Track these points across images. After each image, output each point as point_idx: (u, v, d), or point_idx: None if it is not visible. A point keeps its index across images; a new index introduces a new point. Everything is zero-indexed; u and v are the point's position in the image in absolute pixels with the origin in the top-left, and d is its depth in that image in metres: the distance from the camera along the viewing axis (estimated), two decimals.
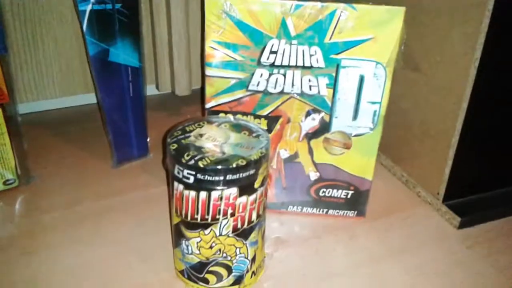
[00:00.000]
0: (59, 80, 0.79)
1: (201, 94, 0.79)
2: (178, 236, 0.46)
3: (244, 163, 0.42)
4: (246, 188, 0.43)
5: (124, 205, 0.60)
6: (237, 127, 0.48)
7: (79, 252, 0.52)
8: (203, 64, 0.53)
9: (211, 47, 0.51)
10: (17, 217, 0.58)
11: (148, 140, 0.70)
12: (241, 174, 0.42)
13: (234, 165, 0.41)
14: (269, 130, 0.54)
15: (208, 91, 0.54)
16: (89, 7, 0.59)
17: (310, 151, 0.55)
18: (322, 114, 0.53)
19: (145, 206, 0.60)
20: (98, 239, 0.54)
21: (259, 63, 0.51)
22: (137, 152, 0.70)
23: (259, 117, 0.54)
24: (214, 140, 0.46)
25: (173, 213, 0.46)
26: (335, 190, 0.57)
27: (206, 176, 0.42)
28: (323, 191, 0.57)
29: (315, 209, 0.58)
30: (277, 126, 0.54)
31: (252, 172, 0.43)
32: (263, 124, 0.54)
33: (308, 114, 0.53)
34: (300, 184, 0.57)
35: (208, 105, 0.54)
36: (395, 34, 0.49)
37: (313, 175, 0.56)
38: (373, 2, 0.48)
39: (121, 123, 0.67)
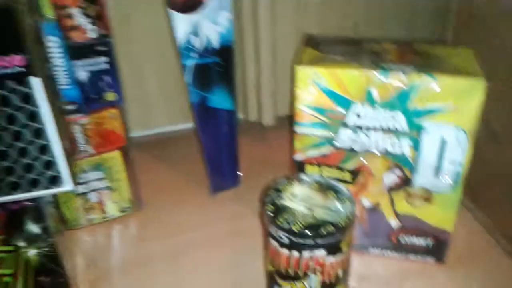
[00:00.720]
0: (162, 112, 0.91)
1: (290, 133, 0.86)
2: (271, 282, 0.55)
3: (333, 229, 0.49)
4: (333, 249, 0.50)
5: (220, 235, 0.70)
6: (325, 188, 0.55)
7: (179, 283, 0.63)
8: (291, 103, 0.60)
9: (301, 109, 0.58)
10: (128, 244, 0.70)
11: (239, 172, 0.80)
12: (329, 239, 0.49)
13: (324, 231, 0.49)
14: (353, 182, 0.61)
15: (297, 145, 0.61)
16: (192, 62, 0.68)
17: (392, 202, 0.61)
18: (404, 170, 0.58)
19: (239, 238, 0.70)
20: (196, 270, 0.65)
21: (344, 125, 0.58)
22: (230, 182, 0.80)
23: (343, 170, 0.61)
24: (304, 201, 0.53)
25: (267, 260, 0.55)
26: (415, 238, 0.62)
27: (298, 239, 0.50)
28: (404, 238, 0.63)
29: (395, 253, 0.64)
30: (361, 179, 0.61)
31: (339, 236, 0.50)
32: (347, 176, 0.61)
33: (390, 169, 0.59)
34: (382, 230, 0.63)
35: (296, 157, 0.62)
36: (475, 104, 0.52)
37: (394, 224, 0.62)
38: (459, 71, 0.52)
39: (217, 157, 0.77)
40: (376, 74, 0.54)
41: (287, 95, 0.89)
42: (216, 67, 0.70)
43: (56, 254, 0.53)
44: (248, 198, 0.77)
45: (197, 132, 0.74)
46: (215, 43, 0.69)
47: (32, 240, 0.50)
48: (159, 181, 0.83)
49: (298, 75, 0.56)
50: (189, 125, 0.94)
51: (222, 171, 0.79)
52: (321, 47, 0.61)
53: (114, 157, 0.70)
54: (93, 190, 0.72)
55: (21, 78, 0.42)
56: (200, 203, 0.77)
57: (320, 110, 0.58)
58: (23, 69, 0.42)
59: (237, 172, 0.80)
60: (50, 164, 0.47)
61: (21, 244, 0.50)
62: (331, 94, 0.56)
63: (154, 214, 0.75)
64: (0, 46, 0.41)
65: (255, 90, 0.87)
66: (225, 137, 0.76)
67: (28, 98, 0.43)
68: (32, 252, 0.51)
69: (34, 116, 0.44)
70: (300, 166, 0.62)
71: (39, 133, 0.45)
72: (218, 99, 0.73)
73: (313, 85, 0.56)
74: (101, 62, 0.63)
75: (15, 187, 0.47)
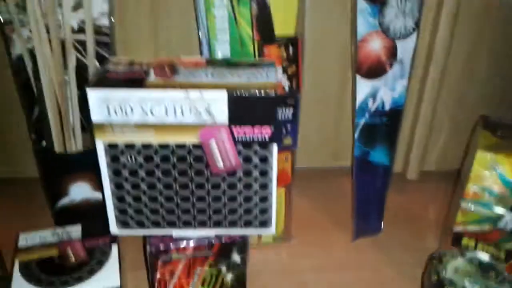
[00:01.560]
0: (316, 151, 1.02)
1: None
2: None
3: None
4: None
5: (365, 281, 0.80)
6: (486, 267, 0.63)
7: None
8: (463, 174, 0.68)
9: (473, 189, 0.66)
10: (279, 271, 0.82)
11: (382, 222, 0.89)
12: None
13: None
14: (506, 262, 0.68)
15: (459, 218, 0.69)
16: (362, 121, 0.78)
17: None
18: None
19: (383, 287, 0.79)
20: None
21: (511, 210, 0.65)
22: (373, 230, 0.89)
23: (500, 248, 0.68)
24: (466, 276, 0.62)
25: None
26: None
27: None
28: None
29: None
30: None
31: None
32: (502, 255, 0.68)
33: None
34: None
35: (455, 229, 0.70)
36: None
37: None
38: None
39: (365, 206, 0.87)
40: None
41: (436, 154, 0.97)
42: (383, 127, 0.80)
43: (244, 281, 0.65)
44: (389, 248, 0.86)
45: (352, 180, 0.84)
46: (387, 105, 0.79)
47: (231, 267, 0.63)
48: (306, 216, 0.94)
49: (477, 159, 0.65)
50: (341, 164, 1.04)
51: (368, 219, 0.88)
52: (499, 132, 0.69)
53: (279, 193, 0.82)
54: None
55: (265, 144, 0.55)
56: (343, 245, 0.87)
57: (491, 192, 0.65)
58: (268, 138, 0.54)
59: (381, 222, 0.89)
60: (264, 211, 0.59)
61: (223, 268, 0.63)
62: (505, 181, 0.64)
63: (301, 248, 0.86)
64: (259, 119, 0.54)
65: (406, 144, 0.96)
66: (377, 189, 0.85)
67: (265, 159, 0.56)
68: (228, 277, 0.64)
69: (264, 173, 0.57)
70: (457, 238, 0.70)
71: (265, 186, 0.58)
72: (378, 155, 0.82)
73: (490, 169, 0.64)
74: (288, 113, 0.75)
75: (233, 224, 0.60)
